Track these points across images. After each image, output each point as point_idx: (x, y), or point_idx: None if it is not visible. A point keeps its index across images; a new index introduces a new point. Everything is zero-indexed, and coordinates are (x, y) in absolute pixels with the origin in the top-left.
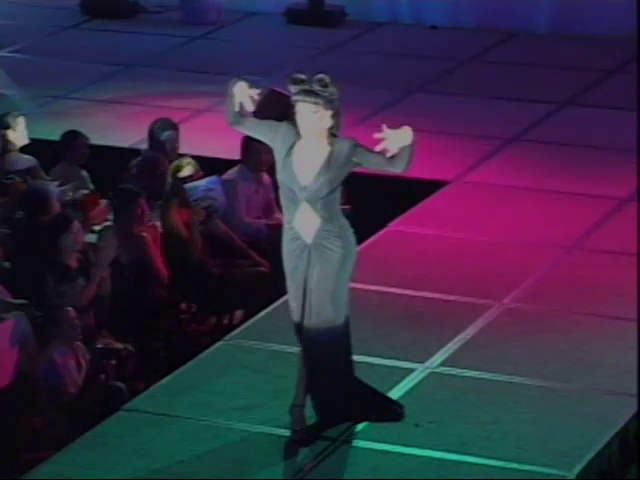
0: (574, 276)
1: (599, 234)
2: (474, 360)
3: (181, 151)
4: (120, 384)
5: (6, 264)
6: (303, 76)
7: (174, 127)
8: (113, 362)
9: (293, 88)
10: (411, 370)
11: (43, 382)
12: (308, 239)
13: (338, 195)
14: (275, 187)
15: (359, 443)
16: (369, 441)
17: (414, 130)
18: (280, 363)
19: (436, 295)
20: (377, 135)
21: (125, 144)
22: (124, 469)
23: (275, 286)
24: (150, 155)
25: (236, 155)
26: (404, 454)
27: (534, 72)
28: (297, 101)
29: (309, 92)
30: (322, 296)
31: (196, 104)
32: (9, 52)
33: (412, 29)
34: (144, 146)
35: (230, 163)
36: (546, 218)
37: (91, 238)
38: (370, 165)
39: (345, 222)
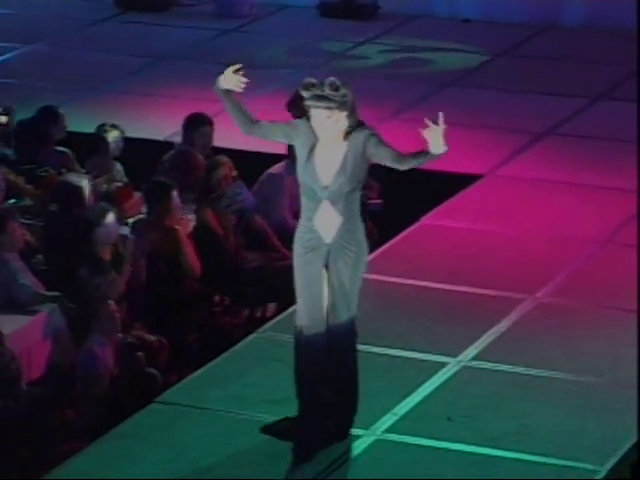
0: (607, 270)
1: (632, 228)
2: (507, 354)
3: (215, 144)
4: (154, 371)
5: (39, 256)
6: (314, 80)
7: (209, 123)
8: (145, 354)
9: (305, 94)
10: (444, 364)
11: (81, 373)
12: (328, 238)
13: (358, 195)
14: None
15: (391, 437)
16: (402, 435)
17: (448, 124)
18: None
19: (469, 289)
20: (423, 129)
21: (159, 137)
22: (156, 461)
23: None
24: (184, 150)
25: (269, 149)
26: (437, 448)
27: (567, 66)
28: (310, 107)
29: (321, 97)
30: (338, 296)
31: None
32: (44, 45)
33: (445, 22)
34: (178, 139)
35: (263, 157)
36: (579, 212)
37: (124, 230)
38: (378, 158)
39: (362, 225)
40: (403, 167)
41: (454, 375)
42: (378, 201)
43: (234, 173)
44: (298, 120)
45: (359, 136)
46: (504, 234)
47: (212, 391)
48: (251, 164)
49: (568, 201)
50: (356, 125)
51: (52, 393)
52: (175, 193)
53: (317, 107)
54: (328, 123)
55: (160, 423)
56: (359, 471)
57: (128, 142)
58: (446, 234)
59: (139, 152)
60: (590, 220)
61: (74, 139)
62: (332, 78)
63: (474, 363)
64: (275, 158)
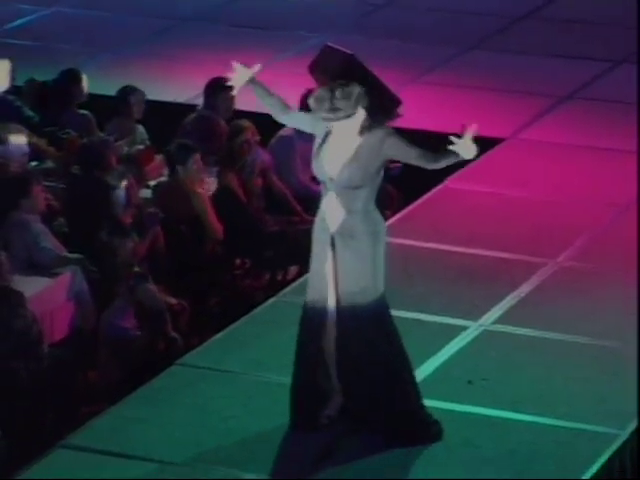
0: (629, 234)
1: None
2: (528, 318)
3: (237, 107)
4: (175, 334)
5: (61, 219)
6: (324, 93)
7: (231, 87)
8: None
9: (318, 110)
10: (465, 327)
11: (103, 337)
12: (332, 228)
13: (371, 191)
14: None
15: None
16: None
17: (470, 87)
18: None
19: (491, 253)
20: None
21: (181, 99)
22: (177, 424)
23: None
24: (206, 115)
25: None
26: (456, 411)
27: (589, 29)
28: (329, 120)
29: (335, 110)
30: (349, 284)
31: (251, 60)
32: (66, 7)
33: None
34: (199, 101)
35: None
36: (601, 176)
37: (146, 193)
38: (403, 158)
39: (378, 218)
40: (431, 166)
41: (475, 339)
42: (397, 165)
43: (257, 138)
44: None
45: (377, 134)
46: (526, 198)
47: (232, 354)
48: (272, 127)
49: (590, 165)
50: (375, 119)
51: (74, 355)
52: (197, 156)
53: (334, 120)
54: (346, 126)
55: (180, 386)
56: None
57: (150, 105)
58: (468, 198)
59: (161, 115)
60: (611, 184)
61: (96, 101)
62: (340, 87)
63: (495, 327)
64: None
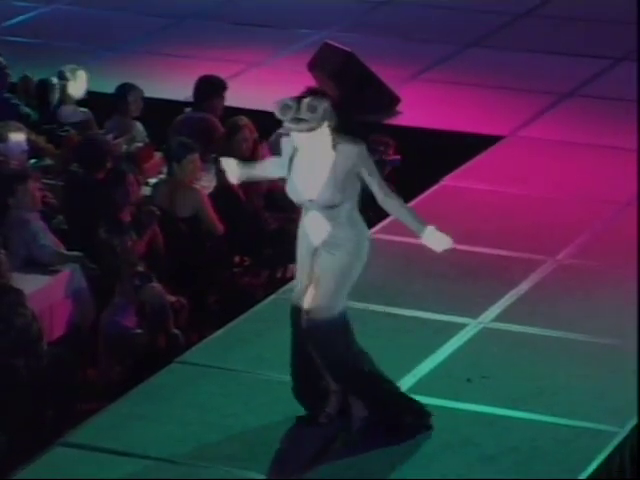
0: (628, 233)
1: None
2: (527, 315)
3: (235, 105)
4: (176, 331)
5: (60, 216)
6: (290, 102)
7: (225, 87)
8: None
9: (282, 118)
10: (464, 325)
11: (103, 335)
12: (316, 242)
13: (353, 203)
14: None
15: None
16: (421, 395)
17: (470, 84)
18: None
19: (490, 250)
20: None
21: (180, 97)
22: (177, 421)
23: None
24: (202, 113)
25: None
26: (456, 409)
27: (590, 27)
28: (291, 130)
29: (300, 120)
30: (324, 292)
31: (250, 57)
32: (66, 5)
33: None
34: None
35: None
36: (601, 174)
37: (145, 191)
38: (367, 180)
39: (362, 228)
40: (382, 201)
41: (474, 336)
42: (396, 157)
43: (255, 135)
44: (287, 137)
45: (351, 149)
46: (525, 196)
47: (232, 352)
48: (270, 124)
49: (589, 163)
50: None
51: (73, 353)
52: (196, 154)
53: (297, 130)
54: (312, 141)
55: (180, 383)
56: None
57: (149, 102)
58: (467, 195)
59: (160, 112)
60: (611, 182)
61: (94, 99)
62: (308, 98)
63: (494, 324)
64: None
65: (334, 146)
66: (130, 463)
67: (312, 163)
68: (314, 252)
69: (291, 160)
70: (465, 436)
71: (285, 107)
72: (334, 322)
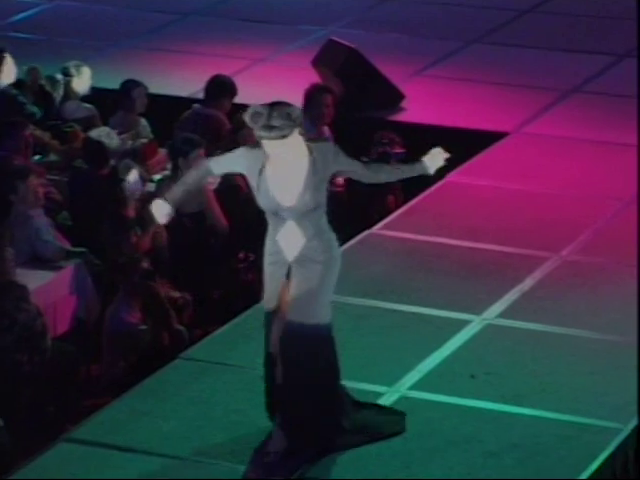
0: (632, 229)
1: None
2: (531, 312)
3: (240, 101)
4: (180, 327)
5: (65, 212)
6: (260, 109)
7: (233, 90)
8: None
9: (253, 125)
10: (468, 322)
11: (108, 330)
12: (290, 257)
13: (322, 210)
14: (334, 140)
15: (414, 394)
16: (424, 392)
17: (473, 81)
18: (335, 313)
19: (494, 247)
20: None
21: (184, 93)
22: (181, 417)
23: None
24: (208, 109)
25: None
26: (460, 405)
27: (593, 23)
28: (261, 138)
29: (271, 127)
30: (302, 307)
31: (255, 54)
32: (69, 1)
33: None
34: (201, 96)
35: None
36: (605, 170)
37: (150, 187)
38: (350, 172)
39: (332, 236)
40: (372, 179)
41: (478, 333)
42: (401, 151)
43: None
44: (242, 148)
45: (323, 149)
46: (529, 192)
47: (236, 348)
48: None
49: (593, 159)
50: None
51: (78, 348)
52: (201, 150)
53: (268, 138)
54: (283, 148)
55: (185, 379)
56: (385, 425)
57: (153, 98)
58: (471, 192)
59: (164, 109)
60: (615, 178)
61: (98, 95)
62: (279, 106)
63: (498, 321)
64: None
65: (309, 148)
66: (134, 459)
67: (286, 170)
68: (287, 270)
69: (260, 172)
70: (468, 432)
71: (256, 114)
72: (318, 333)
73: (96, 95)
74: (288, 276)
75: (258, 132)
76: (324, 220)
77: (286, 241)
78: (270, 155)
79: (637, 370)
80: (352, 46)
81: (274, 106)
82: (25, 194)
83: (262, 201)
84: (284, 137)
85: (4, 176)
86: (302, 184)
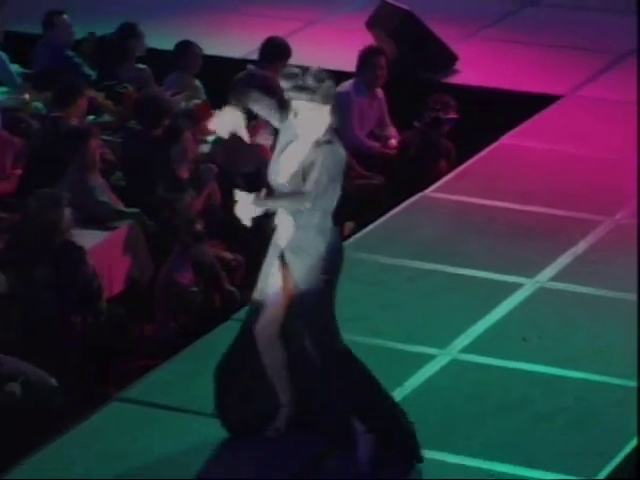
0: None
1: None
2: (584, 276)
3: (292, 63)
4: (233, 288)
5: (119, 173)
6: (297, 70)
7: (288, 53)
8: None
9: (285, 84)
10: (520, 285)
11: (160, 291)
12: (282, 243)
13: (324, 207)
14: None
15: (466, 357)
16: (476, 355)
17: (528, 43)
18: (388, 276)
19: (547, 210)
20: None
21: (237, 54)
22: None
23: (387, 199)
24: (261, 71)
25: (346, 67)
26: (511, 368)
27: None
28: (291, 98)
29: (303, 88)
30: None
31: (307, 15)
32: None
33: None
34: (255, 57)
35: (339, 75)
36: None
37: (204, 148)
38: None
39: (333, 242)
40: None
41: (530, 296)
42: (454, 116)
43: None
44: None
45: (322, 150)
46: (583, 155)
47: None
48: None
49: None
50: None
51: (130, 309)
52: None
53: (299, 99)
54: (311, 116)
55: None
56: (434, 390)
57: (207, 60)
58: (524, 155)
59: (219, 70)
60: None
61: (154, 56)
62: (316, 68)
63: (551, 284)
64: (345, 76)
65: (317, 143)
66: (185, 419)
67: (299, 152)
68: (280, 257)
69: (283, 149)
70: (520, 395)
71: (290, 74)
72: (317, 296)
73: (150, 56)
74: (284, 264)
75: (289, 92)
76: (326, 225)
77: (279, 223)
78: (298, 122)
79: (637, 373)
80: (406, 8)
81: (309, 69)
82: (84, 156)
83: (270, 174)
84: (313, 101)
85: (63, 136)
86: (296, 166)
